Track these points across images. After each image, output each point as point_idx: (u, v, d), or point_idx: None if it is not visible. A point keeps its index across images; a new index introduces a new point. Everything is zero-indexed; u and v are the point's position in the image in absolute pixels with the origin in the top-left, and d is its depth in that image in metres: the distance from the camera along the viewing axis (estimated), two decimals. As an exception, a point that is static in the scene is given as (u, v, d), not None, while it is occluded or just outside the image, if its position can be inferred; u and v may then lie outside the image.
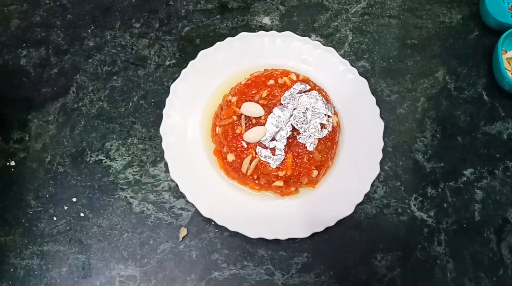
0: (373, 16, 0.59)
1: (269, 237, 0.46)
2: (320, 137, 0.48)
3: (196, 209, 0.47)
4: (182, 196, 0.49)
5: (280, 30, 0.57)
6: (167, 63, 0.56)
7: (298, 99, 0.49)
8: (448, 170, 0.52)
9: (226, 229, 0.47)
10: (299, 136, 0.48)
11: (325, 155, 0.49)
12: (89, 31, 0.57)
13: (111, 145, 0.52)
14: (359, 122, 0.52)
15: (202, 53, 0.53)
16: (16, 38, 0.56)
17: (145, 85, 0.55)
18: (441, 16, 0.60)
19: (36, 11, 0.58)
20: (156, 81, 0.55)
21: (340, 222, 0.47)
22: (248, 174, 0.47)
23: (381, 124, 0.51)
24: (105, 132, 0.52)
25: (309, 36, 0.57)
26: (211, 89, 0.53)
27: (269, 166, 0.47)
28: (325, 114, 0.49)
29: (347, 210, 0.48)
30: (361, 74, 0.54)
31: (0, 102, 0.53)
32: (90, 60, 0.55)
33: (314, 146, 0.48)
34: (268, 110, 0.48)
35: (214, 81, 0.53)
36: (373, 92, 0.53)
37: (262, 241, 0.47)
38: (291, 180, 0.48)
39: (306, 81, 0.51)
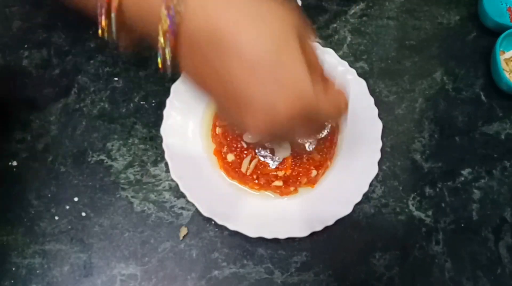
0: (371, 18, 0.60)
1: (269, 236, 0.47)
2: (319, 138, 0.49)
3: (197, 209, 0.48)
4: (183, 195, 0.49)
5: (279, 31, 0.57)
6: (168, 64, 0.56)
7: (297, 100, 0.49)
8: (446, 170, 0.53)
9: (226, 228, 0.47)
10: (298, 136, 0.48)
11: (324, 155, 0.49)
12: (91, 32, 0.57)
13: (112, 145, 0.52)
14: (357, 122, 0.52)
15: (202, 54, 0.54)
16: (18, 39, 0.57)
17: (146, 86, 0.55)
18: (439, 17, 0.60)
19: (38, 13, 0.58)
20: (157, 82, 0.55)
21: (339, 222, 0.47)
22: (248, 174, 0.48)
23: (379, 125, 0.52)
24: (106, 132, 0.53)
25: (308, 37, 0.57)
26: (211, 90, 0.53)
27: (269, 166, 0.47)
28: (324, 115, 0.49)
29: (345, 209, 0.48)
30: (359, 75, 0.54)
31: (2, 103, 0.53)
32: (91, 61, 0.56)
33: (313, 146, 0.48)
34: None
35: (214, 81, 0.54)
36: (372, 92, 0.53)
37: (261, 240, 0.48)
38: (291, 180, 0.48)
39: (305, 82, 0.51)
